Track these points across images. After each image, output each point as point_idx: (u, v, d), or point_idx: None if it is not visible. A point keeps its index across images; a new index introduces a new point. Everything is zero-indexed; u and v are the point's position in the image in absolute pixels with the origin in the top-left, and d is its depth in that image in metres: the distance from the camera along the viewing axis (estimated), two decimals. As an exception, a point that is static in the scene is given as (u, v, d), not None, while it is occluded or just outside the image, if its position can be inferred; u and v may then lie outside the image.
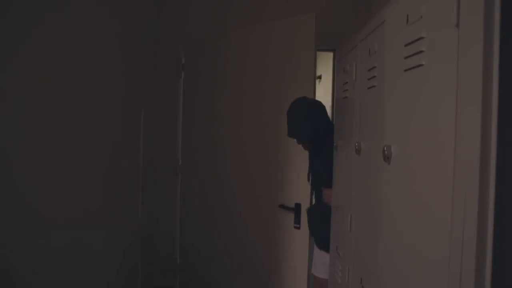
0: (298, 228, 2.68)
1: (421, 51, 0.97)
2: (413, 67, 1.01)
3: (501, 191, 0.71)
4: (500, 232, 0.71)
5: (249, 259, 3.19)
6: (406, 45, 1.06)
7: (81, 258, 2.21)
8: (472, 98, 0.74)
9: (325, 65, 4.34)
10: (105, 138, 2.48)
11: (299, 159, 2.66)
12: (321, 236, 2.37)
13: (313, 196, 2.56)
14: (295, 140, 2.35)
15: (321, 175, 2.27)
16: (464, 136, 0.77)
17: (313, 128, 2.19)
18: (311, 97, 2.36)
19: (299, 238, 2.69)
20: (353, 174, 1.75)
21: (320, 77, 4.86)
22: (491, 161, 0.71)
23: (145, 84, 3.13)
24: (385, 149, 1.17)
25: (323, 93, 4.37)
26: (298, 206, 2.67)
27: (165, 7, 3.36)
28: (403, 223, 1.08)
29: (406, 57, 1.06)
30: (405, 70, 1.06)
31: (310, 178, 2.49)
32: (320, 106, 2.29)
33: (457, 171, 0.79)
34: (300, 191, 2.67)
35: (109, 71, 2.51)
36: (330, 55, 3.74)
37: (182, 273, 3.33)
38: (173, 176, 3.34)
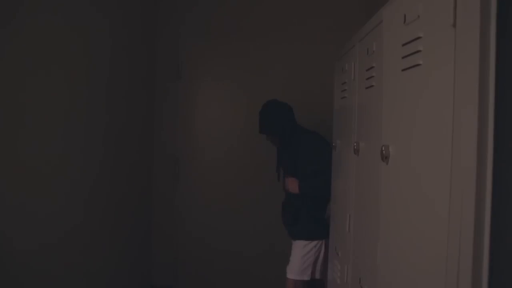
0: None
1: (419, 51, 0.97)
2: (411, 67, 1.01)
3: (498, 189, 0.71)
4: (497, 230, 0.71)
5: (249, 259, 3.19)
6: (403, 45, 1.05)
7: (81, 257, 2.21)
8: (469, 97, 0.74)
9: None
10: (105, 138, 2.48)
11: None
12: (294, 229, 2.54)
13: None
14: (265, 136, 2.61)
15: (290, 167, 2.50)
16: (461, 135, 0.77)
17: (282, 123, 2.48)
18: (281, 100, 2.61)
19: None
20: (351, 174, 1.75)
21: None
22: (488, 160, 0.71)
23: (147, 85, 3.14)
24: (383, 149, 1.17)
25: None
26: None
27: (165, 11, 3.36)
28: (401, 223, 1.08)
29: (403, 57, 1.06)
30: (403, 70, 1.06)
31: (282, 171, 2.65)
32: (287, 106, 2.56)
33: (455, 170, 0.79)
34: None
35: (111, 73, 2.51)
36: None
37: (182, 273, 3.33)
38: (173, 176, 3.35)
